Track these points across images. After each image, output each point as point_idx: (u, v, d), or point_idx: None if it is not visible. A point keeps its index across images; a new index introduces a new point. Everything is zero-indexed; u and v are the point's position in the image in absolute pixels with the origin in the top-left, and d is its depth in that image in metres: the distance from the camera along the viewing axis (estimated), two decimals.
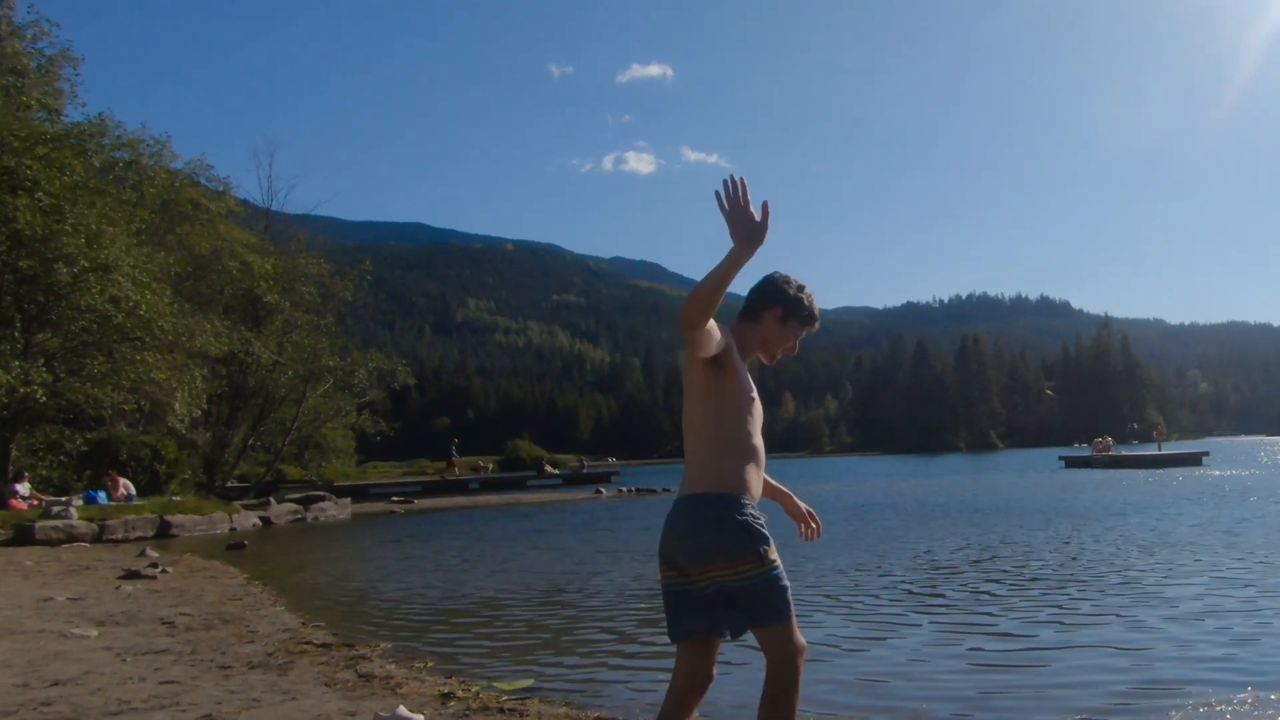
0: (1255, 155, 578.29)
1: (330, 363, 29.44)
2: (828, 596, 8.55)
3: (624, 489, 33.82)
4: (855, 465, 62.71)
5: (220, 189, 28.73)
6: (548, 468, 44.30)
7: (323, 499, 24.40)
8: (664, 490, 32.54)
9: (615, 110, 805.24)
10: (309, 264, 29.12)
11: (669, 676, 2.85)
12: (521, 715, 4.71)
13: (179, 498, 20.91)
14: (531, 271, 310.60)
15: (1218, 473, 30.28)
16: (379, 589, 10.39)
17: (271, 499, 23.83)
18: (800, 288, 2.99)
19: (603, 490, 33.42)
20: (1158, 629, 6.56)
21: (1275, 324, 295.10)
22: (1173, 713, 4.52)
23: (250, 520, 20.62)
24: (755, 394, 2.83)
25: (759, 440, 2.85)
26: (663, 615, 2.84)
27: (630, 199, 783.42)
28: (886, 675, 5.55)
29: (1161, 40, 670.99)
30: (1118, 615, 7.16)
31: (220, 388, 26.57)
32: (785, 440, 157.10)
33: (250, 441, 29.89)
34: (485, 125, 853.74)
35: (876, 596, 8.50)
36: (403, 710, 4.59)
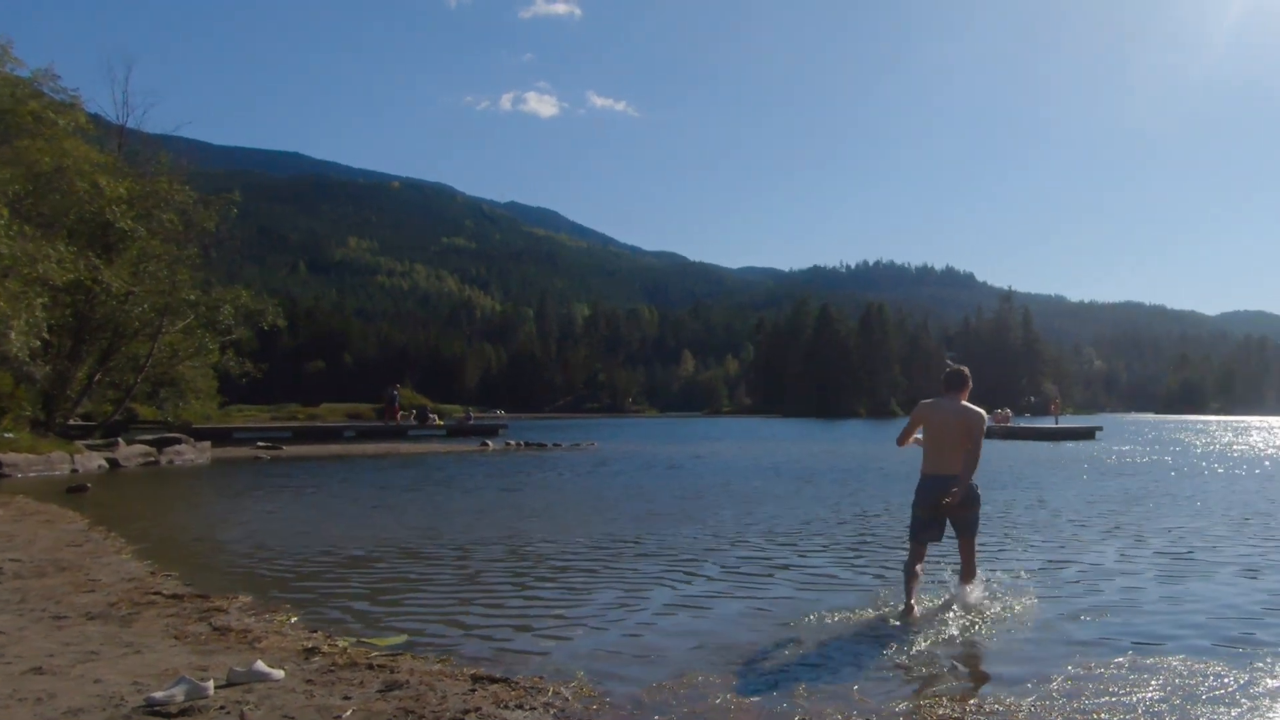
0: (1160, 143, 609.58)
1: (190, 296, 28.19)
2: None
3: (512, 442, 33.68)
4: (753, 427, 64.05)
5: (68, 101, 26.82)
6: (432, 417, 43.67)
7: (179, 441, 23.67)
8: (554, 445, 32.59)
9: (516, 48, 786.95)
10: (170, 189, 27.65)
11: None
12: (392, 671, 4.63)
13: (11, 435, 19.87)
14: (419, 211, 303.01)
15: (1111, 447, 32.15)
16: (239, 539, 10.06)
17: (120, 440, 22.91)
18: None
19: (489, 443, 33.22)
20: (1043, 595, 6.92)
21: (1169, 306, 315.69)
22: (1054, 677, 4.78)
23: (95, 461, 19.81)
24: None
25: None
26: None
27: (529, 142, 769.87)
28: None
29: (1082, 23, 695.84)
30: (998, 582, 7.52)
31: (63, 318, 25.11)
32: (683, 399, 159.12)
33: (96, 377, 28.41)
34: (373, 53, 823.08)
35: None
36: (261, 665, 4.45)
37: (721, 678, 4.73)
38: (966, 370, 6.37)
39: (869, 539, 10.02)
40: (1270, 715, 4.21)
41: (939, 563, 7.04)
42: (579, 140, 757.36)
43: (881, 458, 26.36)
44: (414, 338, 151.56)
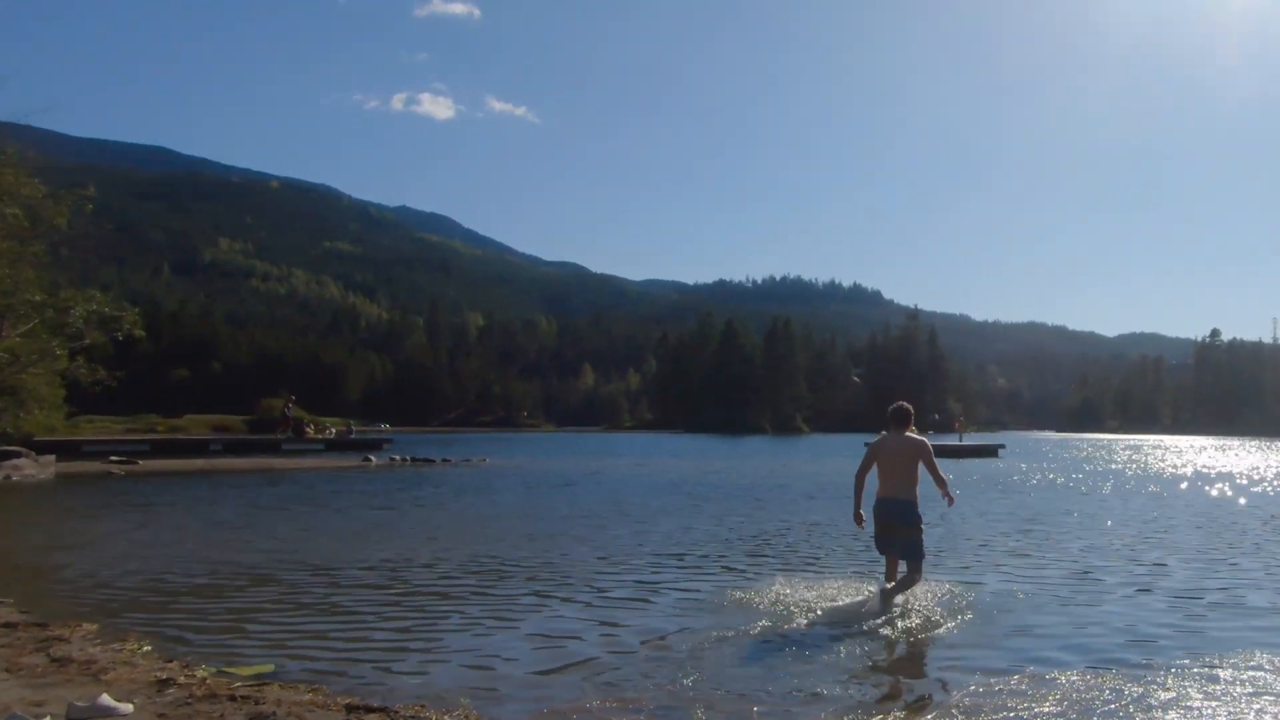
0: (1061, 169, 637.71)
1: (36, 297, 26.90)
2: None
3: (396, 458, 33.08)
4: (654, 442, 64.30)
5: None
6: (308, 430, 42.52)
7: (18, 455, 22.65)
8: (443, 460, 32.12)
9: (410, 46, 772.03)
10: (15, 181, 26.40)
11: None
12: (257, 702, 4.46)
13: None
14: (300, 213, 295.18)
15: (1014, 465, 33.42)
16: (85, 561, 9.58)
17: None
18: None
19: (372, 458, 32.54)
20: (944, 614, 7.12)
21: (1070, 327, 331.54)
22: (954, 693, 4.91)
23: None
24: None
25: None
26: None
27: (423, 145, 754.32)
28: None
29: (986, 34, 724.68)
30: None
31: None
32: (582, 413, 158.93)
33: None
34: (252, 45, 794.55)
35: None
36: (106, 699, 4.24)
37: (613, 703, 4.71)
38: (909, 406, 7.66)
39: (768, 559, 10.16)
40: None
41: (874, 575, 7.15)
42: (476, 145, 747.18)
43: (784, 475, 26.81)
44: (291, 345, 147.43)
